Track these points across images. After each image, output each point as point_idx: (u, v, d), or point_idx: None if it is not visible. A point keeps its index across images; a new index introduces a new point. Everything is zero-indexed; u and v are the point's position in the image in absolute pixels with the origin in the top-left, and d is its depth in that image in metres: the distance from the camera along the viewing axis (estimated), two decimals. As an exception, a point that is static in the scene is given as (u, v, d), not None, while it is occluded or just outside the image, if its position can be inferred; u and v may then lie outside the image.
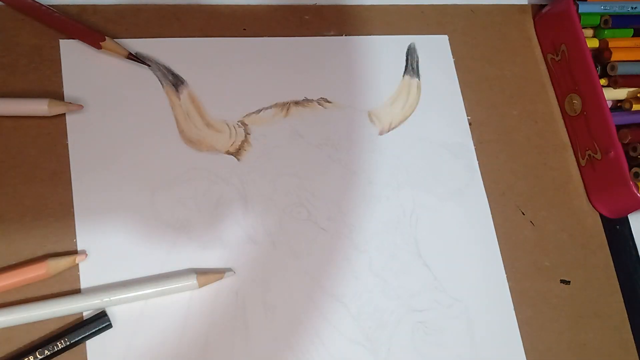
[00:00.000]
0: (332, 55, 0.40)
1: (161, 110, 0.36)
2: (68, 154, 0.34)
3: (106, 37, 0.35)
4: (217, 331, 0.33)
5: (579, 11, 0.43)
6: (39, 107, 0.33)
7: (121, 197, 0.34)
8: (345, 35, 0.41)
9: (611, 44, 0.43)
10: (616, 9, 0.44)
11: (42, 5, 0.35)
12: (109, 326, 0.31)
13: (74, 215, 0.33)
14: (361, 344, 0.35)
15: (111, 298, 0.31)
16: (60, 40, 0.35)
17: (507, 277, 0.39)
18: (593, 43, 0.44)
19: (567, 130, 0.45)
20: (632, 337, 0.41)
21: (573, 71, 0.44)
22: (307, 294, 0.35)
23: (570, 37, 0.43)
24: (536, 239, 0.41)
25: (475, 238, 0.40)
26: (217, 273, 0.33)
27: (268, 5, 0.40)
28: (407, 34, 0.43)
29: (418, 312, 0.37)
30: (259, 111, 0.38)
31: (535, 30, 0.47)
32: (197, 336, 0.33)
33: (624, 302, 0.41)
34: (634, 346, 0.41)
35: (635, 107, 0.43)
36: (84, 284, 0.32)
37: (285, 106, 0.38)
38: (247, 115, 0.38)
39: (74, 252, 0.32)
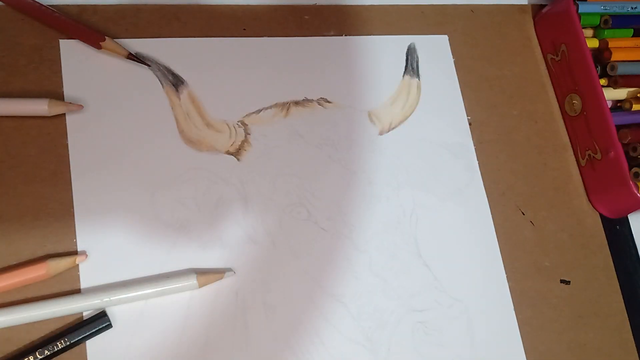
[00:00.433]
0: (332, 55, 0.40)
1: (161, 110, 0.36)
2: (68, 154, 0.34)
3: (106, 37, 0.35)
4: (217, 331, 0.33)
5: (579, 11, 0.43)
6: (39, 107, 0.33)
7: (121, 197, 0.34)
8: (345, 35, 0.41)
9: (611, 44, 0.43)
10: (616, 9, 0.44)
11: (42, 5, 0.35)
12: (109, 326, 0.31)
13: (74, 215, 0.33)
14: (361, 344, 0.35)
15: (111, 298, 0.31)
16: (60, 40, 0.35)
17: (507, 277, 0.39)
18: (593, 43, 0.44)
19: (567, 130, 0.45)
20: (632, 337, 0.41)
21: (573, 71, 0.44)
22: (307, 294, 0.35)
23: (570, 37, 0.43)
24: (536, 239, 0.41)
25: (475, 238, 0.40)
26: (217, 273, 0.33)
27: (268, 5, 0.40)
28: (407, 34, 0.43)
29: (418, 312, 0.37)
30: (259, 111, 0.38)
31: (535, 30, 0.47)
32: (197, 336, 0.33)
33: (624, 302, 0.41)
34: (634, 346, 0.41)
35: (635, 107, 0.43)
36: (84, 284, 0.32)
37: (285, 106, 0.38)
38: (247, 115, 0.38)
39: (74, 253, 0.32)
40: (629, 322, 0.41)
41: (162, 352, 0.32)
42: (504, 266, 0.40)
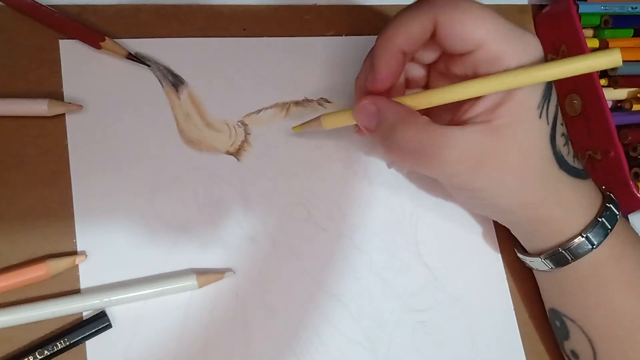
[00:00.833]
0: (332, 55, 0.40)
1: (161, 110, 0.36)
2: (68, 154, 0.34)
3: (106, 37, 0.35)
4: (217, 331, 0.33)
5: (579, 11, 0.43)
6: (39, 107, 0.33)
7: (121, 197, 0.34)
8: (345, 36, 0.41)
9: (611, 44, 0.43)
10: (616, 9, 0.44)
11: (42, 5, 0.35)
12: (109, 326, 0.31)
13: (73, 215, 0.33)
14: (361, 344, 0.35)
15: (111, 298, 0.31)
16: (60, 40, 0.35)
17: (507, 277, 0.39)
18: (593, 43, 0.44)
19: (567, 130, 0.45)
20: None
21: (573, 71, 0.44)
22: (307, 294, 0.35)
23: (570, 37, 0.43)
24: (536, 239, 0.41)
25: (475, 238, 0.40)
26: (217, 273, 0.33)
27: (268, 5, 0.40)
28: (407, 34, 0.43)
29: (418, 312, 0.37)
30: (259, 111, 0.38)
31: (535, 30, 0.47)
32: (197, 336, 0.33)
33: (624, 302, 0.41)
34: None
35: (636, 107, 0.43)
36: (83, 284, 0.32)
37: (285, 106, 0.38)
38: (247, 115, 0.38)
39: (74, 253, 0.32)
40: (629, 322, 0.41)
41: (161, 352, 0.32)
42: (504, 266, 0.40)
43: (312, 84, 0.39)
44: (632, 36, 0.45)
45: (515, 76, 0.29)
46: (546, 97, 0.31)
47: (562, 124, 0.33)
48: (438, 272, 0.38)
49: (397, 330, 0.36)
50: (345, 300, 0.36)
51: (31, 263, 0.31)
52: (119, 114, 0.35)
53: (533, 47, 0.30)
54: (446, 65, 0.33)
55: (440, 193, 0.40)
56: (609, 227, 0.33)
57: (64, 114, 0.34)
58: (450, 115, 0.32)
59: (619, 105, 0.44)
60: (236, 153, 0.37)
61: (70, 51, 0.35)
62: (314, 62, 0.40)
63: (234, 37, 0.39)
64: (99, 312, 0.31)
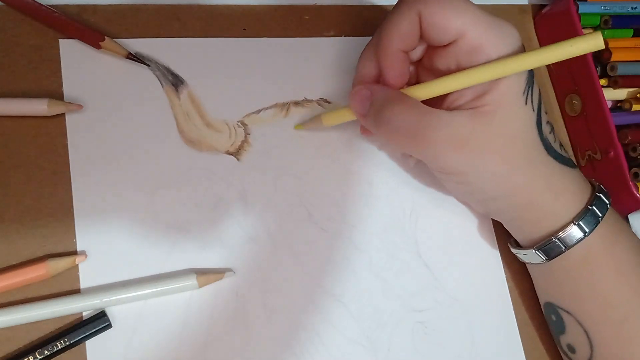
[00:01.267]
0: (332, 55, 0.40)
1: (161, 110, 0.36)
2: (68, 154, 0.34)
3: (106, 37, 0.35)
4: (217, 331, 0.33)
5: (579, 11, 0.43)
6: (39, 107, 0.33)
7: (121, 197, 0.34)
8: (345, 36, 0.41)
9: (611, 44, 0.43)
10: (616, 9, 0.44)
11: (42, 5, 0.35)
12: (109, 326, 0.31)
13: (73, 215, 0.33)
14: (361, 344, 0.35)
15: (111, 298, 0.31)
16: (60, 40, 0.35)
17: (506, 277, 0.39)
18: (593, 43, 0.44)
19: (567, 130, 0.45)
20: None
21: (573, 71, 0.44)
22: (307, 294, 0.35)
23: (570, 37, 0.43)
24: (536, 239, 0.41)
25: (475, 238, 0.40)
26: (217, 273, 0.33)
27: (268, 5, 0.40)
28: (407, 34, 0.43)
29: (418, 312, 0.37)
30: (259, 111, 0.38)
31: (535, 30, 0.47)
32: (196, 336, 0.33)
33: (624, 302, 0.41)
34: (634, 346, 0.41)
35: (635, 107, 0.43)
36: (83, 284, 0.32)
37: (285, 106, 0.38)
38: (247, 115, 0.38)
39: (74, 253, 0.32)
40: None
41: (161, 352, 0.32)
42: (504, 266, 0.40)
43: (312, 84, 0.39)
44: (632, 36, 0.45)
45: (501, 66, 0.30)
46: (529, 84, 0.32)
47: (545, 112, 0.34)
48: (438, 273, 0.38)
49: (397, 331, 0.36)
50: (345, 300, 0.36)
51: (31, 263, 0.31)
52: (119, 114, 0.35)
53: (512, 36, 0.31)
54: (430, 59, 0.34)
55: (440, 193, 0.40)
56: (600, 215, 0.33)
57: (63, 113, 0.34)
58: (439, 104, 0.33)
59: (618, 105, 0.44)
60: (236, 153, 0.37)
61: (70, 51, 0.35)
62: (314, 62, 0.40)
63: (234, 37, 0.39)
64: (99, 312, 0.31)
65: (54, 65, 0.35)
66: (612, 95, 0.44)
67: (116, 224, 0.33)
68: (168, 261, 0.33)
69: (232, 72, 0.38)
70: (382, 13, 0.42)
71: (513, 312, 0.39)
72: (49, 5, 0.35)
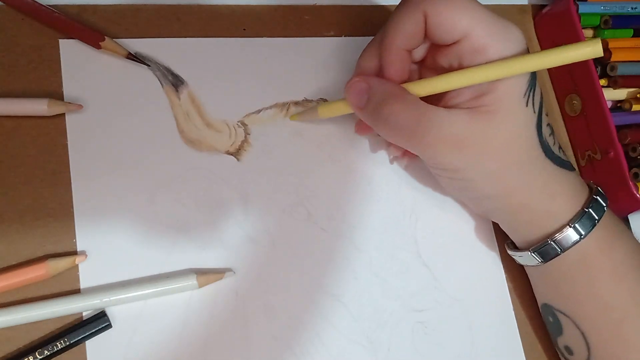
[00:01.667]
0: (332, 55, 0.40)
1: (161, 110, 0.36)
2: (68, 154, 0.34)
3: (106, 37, 0.35)
4: (217, 331, 0.33)
5: (579, 11, 0.43)
6: (39, 107, 0.33)
7: (121, 197, 0.34)
8: (345, 36, 0.41)
9: (611, 45, 0.43)
10: (616, 9, 0.44)
11: (42, 5, 0.35)
12: (109, 326, 0.31)
13: (73, 215, 0.33)
14: (361, 344, 0.35)
15: (111, 298, 0.31)
16: (60, 40, 0.35)
17: (506, 277, 0.39)
18: (593, 43, 0.44)
19: (566, 130, 0.45)
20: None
21: (573, 71, 0.44)
22: (307, 294, 0.35)
23: (570, 37, 0.43)
24: (536, 239, 0.41)
25: (475, 238, 0.40)
26: (217, 273, 0.33)
27: (268, 5, 0.40)
28: (407, 34, 0.43)
29: (418, 312, 0.37)
30: (259, 111, 0.38)
31: (535, 30, 0.47)
32: (196, 336, 0.33)
33: (624, 302, 0.41)
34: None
35: (635, 107, 0.43)
36: (83, 284, 0.32)
37: (285, 106, 0.38)
38: (247, 115, 0.38)
39: (74, 253, 0.32)
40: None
41: (161, 352, 0.32)
42: (504, 266, 0.40)
43: (312, 84, 0.39)
44: (632, 36, 0.45)
45: (501, 67, 0.30)
46: (531, 86, 0.32)
47: (546, 115, 0.33)
48: (437, 273, 0.38)
49: (397, 331, 0.36)
50: (345, 300, 0.36)
51: (31, 263, 0.31)
52: (119, 114, 0.35)
53: (517, 39, 0.31)
54: (433, 58, 0.34)
55: (440, 194, 0.40)
56: (596, 217, 0.33)
57: (63, 113, 0.34)
58: (435, 103, 0.33)
59: (618, 105, 0.44)
60: (236, 153, 0.37)
61: (70, 51, 0.35)
62: (314, 62, 0.40)
63: (234, 37, 0.39)
64: (99, 312, 0.31)
65: (54, 65, 0.35)
66: (612, 95, 0.44)
67: (116, 223, 0.33)
68: (168, 261, 0.33)
69: (232, 72, 0.38)
70: (382, 13, 0.42)
71: (513, 312, 0.39)
72: (49, 5, 0.35)
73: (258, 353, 0.33)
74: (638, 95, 0.44)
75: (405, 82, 0.33)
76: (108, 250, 0.33)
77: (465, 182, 0.33)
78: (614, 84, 0.43)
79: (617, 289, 0.33)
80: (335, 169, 0.38)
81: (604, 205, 0.34)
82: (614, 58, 0.43)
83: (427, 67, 0.35)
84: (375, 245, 0.37)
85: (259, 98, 0.38)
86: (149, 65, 0.36)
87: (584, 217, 0.33)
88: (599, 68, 0.44)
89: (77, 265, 0.32)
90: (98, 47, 0.35)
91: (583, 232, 0.33)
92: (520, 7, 0.47)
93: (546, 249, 0.34)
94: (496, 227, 0.40)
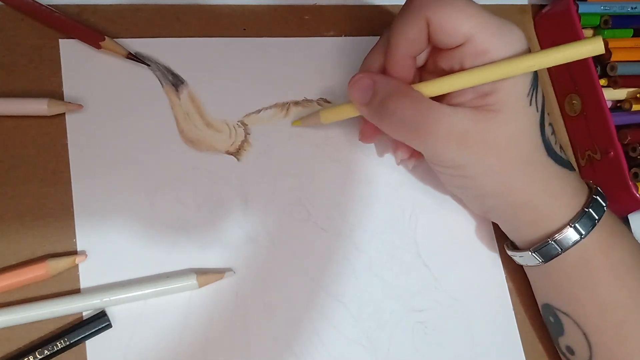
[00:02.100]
0: (332, 55, 0.40)
1: (161, 110, 0.36)
2: (68, 154, 0.34)
3: (106, 36, 0.35)
4: (217, 331, 0.33)
5: (579, 11, 0.43)
6: (39, 106, 0.33)
7: (121, 197, 0.34)
8: (345, 36, 0.41)
9: (611, 44, 0.43)
10: (616, 9, 0.44)
11: (42, 5, 0.35)
12: (109, 326, 0.31)
13: (73, 215, 0.33)
14: (361, 344, 0.35)
15: (111, 298, 0.31)
16: (60, 40, 0.35)
17: (506, 277, 0.39)
18: (593, 43, 0.44)
19: (566, 130, 0.45)
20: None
21: (573, 71, 0.44)
22: (307, 294, 0.35)
23: (570, 37, 0.43)
24: (536, 239, 0.41)
25: (475, 238, 0.40)
26: (217, 273, 0.33)
27: (268, 5, 0.40)
28: (407, 34, 0.43)
29: (418, 312, 0.37)
30: (259, 111, 0.38)
31: (535, 30, 0.47)
32: (197, 336, 0.33)
33: (624, 302, 0.41)
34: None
35: (635, 107, 0.43)
36: (83, 284, 0.32)
37: (285, 106, 0.38)
38: (247, 115, 0.38)
39: (74, 253, 0.32)
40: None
41: (161, 352, 0.32)
42: (504, 266, 0.40)
43: (312, 84, 0.39)
44: (632, 36, 0.45)
45: (505, 67, 0.30)
46: (534, 86, 0.32)
47: (547, 114, 0.34)
48: (437, 273, 0.38)
49: (397, 331, 0.36)
50: (345, 300, 0.36)
51: (31, 263, 0.31)
52: (119, 114, 0.35)
53: (519, 40, 0.31)
54: (434, 61, 0.34)
55: (440, 194, 0.40)
56: (596, 217, 0.33)
57: (63, 113, 0.34)
58: (440, 102, 0.33)
59: (618, 105, 0.44)
60: (236, 153, 0.37)
61: (70, 51, 0.35)
62: (314, 62, 0.40)
63: (234, 37, 0.39)
64: (99, 312, 0.31)
65: (54, 65, 0.35)
66: (612, 95, 0.44)
67: (116, 223, 0.33)
68: (168, 261, 0.33)
69: (232, 72, 0.38)
70: (382, 13, 0.43)
71: (513, 312, 0.39)
72: (49, 5, 0.35)
73: (258, 353, 0.33)
74: (638, 95, 0.44)
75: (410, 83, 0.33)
76: (108, 250, 0.33)
77: (467, 180, 0.33)
78: (614, 83, 0.43)
79: (617, 289, 0.33)
80: (335, 169, 0.38)
81: (604, 205, 0.34)
82: (614, 58, 0.43)
83: (428, 70, 0.35)
84: (375, 245, 0.37)
85: (259, 98, 0.38)
86: (149, 65, 0.36)
87: (584, 217, 0.33)
88: (599, 68, 0.44)
89: (77, 265, 0.32)
90: (98, 47, 0.35)
91: (583, 232, 0.33)
92: (520, 7, 0.47)
93: (547, 248, 0.34)
94: (496, 227, 0.40)
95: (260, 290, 0.34)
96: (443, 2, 0.31)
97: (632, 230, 0.41)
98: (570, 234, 0.33)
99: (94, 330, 0.31)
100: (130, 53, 0.36)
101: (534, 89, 0.32)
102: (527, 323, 0.39)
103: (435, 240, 0.39)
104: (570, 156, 0.44)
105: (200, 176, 0.35)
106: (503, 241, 0.39)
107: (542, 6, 0.47)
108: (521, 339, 0.38)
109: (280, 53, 0.39)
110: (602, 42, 0.28)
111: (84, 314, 0.31)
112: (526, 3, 0.47)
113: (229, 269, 0.34)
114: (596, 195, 0.34)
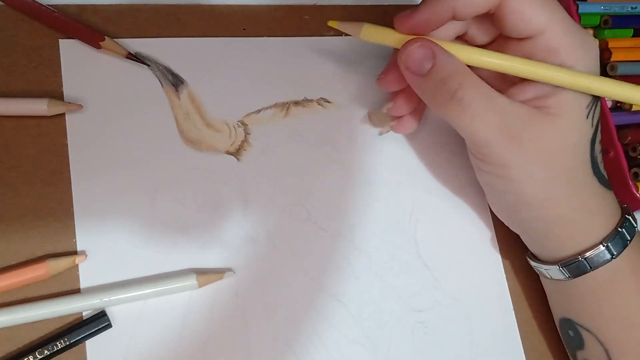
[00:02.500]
0: (332, 55, 0.40)
1: (161, 110, 0.36)
2: (68, 154, 0.34)
3: (106, 36, 0.35)
4: (217, 331, 0.33)
5: (579, 11, 0.43)
6: (39, 106, 0.33)
7: (121, 197, 0.34)
8: (345, 36, 0.41)
9: (611, 44, 0.43)
10: (616, 9, 0.44)
11: (42, 5, 0.35)
12: (109, 326, 0.31)
13: (73, 215, 0.33)
14: (361, 344, 0.35)
15: (111, 298, 0.31)
16: (60, 40, 0.35)
17: (506, 277, 0.39)
18: (593, 43, 0.44)
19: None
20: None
21: (573, 71, 0.44)
22: (307, 294, 0.35)
23: (570, 37, 0.43)
24: (536, 239, 0.41)
25: (475, 238, 0.40)
26: (217, 273, 0.33)
27: (268, 5, 0.40)
28: (407, 34, 0.43)
29: (418, 312, 0.37)
30: (259, 111, 0.38)
31: (535, 31, 0.47)
32: (196, 336, 0.33)
33: (624, 302, 0.41)
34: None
35: (635, 107, 0.43)
36: (83, 284, 0.32)
37: (285, 106, 0.38)
38: (247, 115, 0.38)
39: (74, 253, 0.32)
40: (628, 322, 0.41)
41: (161, 352, 0.32)
42: (504, 266, 0.40)
43: (312, 84, 0.39)
44: (632, 36, 0.45)
45: (580, 79, 0.30)
46: (595, 100, 0.31)
47: (600, 133, 0.33)
48: (438, 273, 0.38)
49: (397, 331, 0.36)
50: (345, 300, 0.36)
51: (31, 263, 0.31)
52: (119, 114, 0.35)
53: (591, 49, 0.30)
54: (500, 49, 0.32)
55: (440, 194, 0.40)
56: (629, 238, 0.33)
57: (63, 113, 0.34)
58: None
59: (618, 105, 0.44)
60: (236, 153, 0.37)
61: (70, 51, 0.35)
62: (314, 62, 0.40)
63: (234, 37, 0.39)
64: (99, 312, 0.31)
65: (54, 65, 0.35)
66: (612, 95, 0.44)
67: (116, 223, 0.33)
68: (168, 261, 0.33)
69: (232, 72, 0.38)
70: (383, 13, 0.42)
71: (513, 312, 0.39)
72: (49, 5, 0.35)
73: (258, 353, 0.33)
74: (638, 95, 0.44)
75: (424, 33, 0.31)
76: (108, 250, 0.33)
77: (509, 184, 0.32)
78: (614, 84, 0.43)
79: None
80: (335, 169, 0.38)
81: (635, 226, 0.33)
82: (614, 58, 0.43)
83: None
84: (375, 245, 0.37)
85: (259, 98, 0.38)
86: (149, 65, 0.36)
87: (617, 237, 0.32)
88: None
89: (77, 265, 0.32)
90: (98, 47, 0.35)
91: (615, 252, 0.32)
92: (520, 7, 0.47)
93: (576, 265, 0.33)
94: (496, 226, 0.40)
95: (260, 290, 0.34)
96: None
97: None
98: (602, 253, 0.32)
99: (93, 330, 0.31)
100: (130, 53, 0.36)
101: (594, 103, 0.31)
102: (528, 322, 0.39)
103: (435, 240, 0.39)
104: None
105: (200, 176, 0.35)
106: (503, 240, 0.39)
107: (542, 6, 0.47)
108: (521, 339, 0.38)
109: (280, 53, 0.39)
110: None
111: (84, 314, 0.31)
112: (526, 3, 0.47)
113: (229, 269, 0.34)
114: (628, 216, 0.34)
